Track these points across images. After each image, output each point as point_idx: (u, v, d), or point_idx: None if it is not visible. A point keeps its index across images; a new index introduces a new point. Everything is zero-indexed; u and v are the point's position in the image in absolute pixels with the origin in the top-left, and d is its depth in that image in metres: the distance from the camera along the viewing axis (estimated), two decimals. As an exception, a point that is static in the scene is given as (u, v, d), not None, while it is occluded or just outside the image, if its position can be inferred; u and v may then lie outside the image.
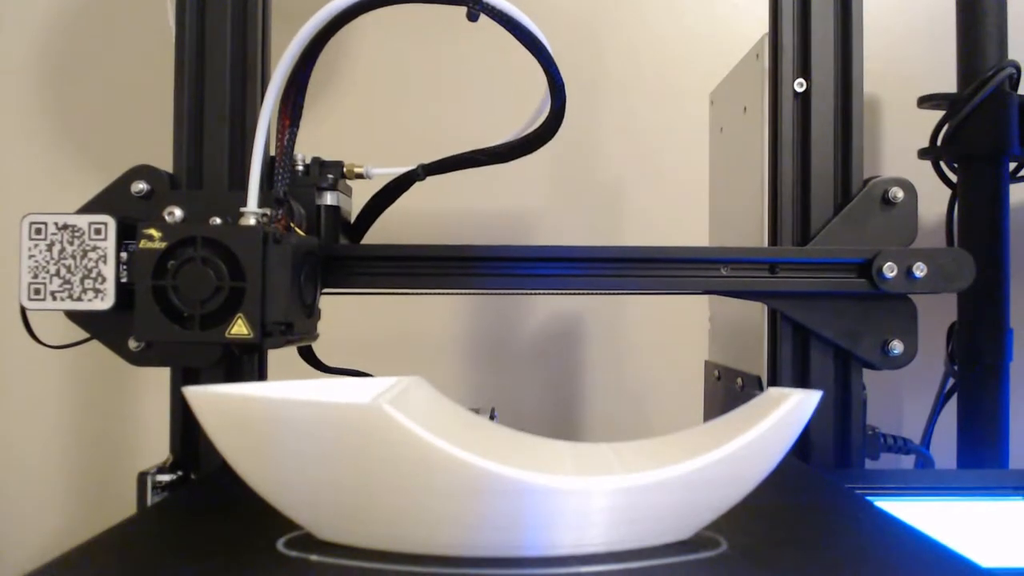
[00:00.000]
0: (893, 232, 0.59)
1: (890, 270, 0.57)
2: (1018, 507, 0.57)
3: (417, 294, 0.73)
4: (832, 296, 0.59)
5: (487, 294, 0.91)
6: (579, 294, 0.62)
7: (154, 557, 0.37)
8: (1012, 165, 0.78)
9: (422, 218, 0.92)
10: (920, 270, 0.57)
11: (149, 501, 0.55)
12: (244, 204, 0.50)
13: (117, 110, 0.90)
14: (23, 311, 0.54)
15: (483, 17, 0.53)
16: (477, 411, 0.54)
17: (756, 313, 0.63)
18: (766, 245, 0.62)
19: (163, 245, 0.49)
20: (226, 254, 0.49)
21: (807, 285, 0.58)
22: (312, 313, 0.55)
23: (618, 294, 0.61)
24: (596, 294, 0.61)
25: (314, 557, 0.34)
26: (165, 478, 0.56)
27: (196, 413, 0.35)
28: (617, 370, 0.92)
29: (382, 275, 0.59)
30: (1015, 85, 0.74)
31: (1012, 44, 0.76)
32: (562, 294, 0.66)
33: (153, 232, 0.49)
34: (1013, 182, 0.78)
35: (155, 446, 0.61)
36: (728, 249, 0.62)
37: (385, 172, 0.64)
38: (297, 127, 0.53)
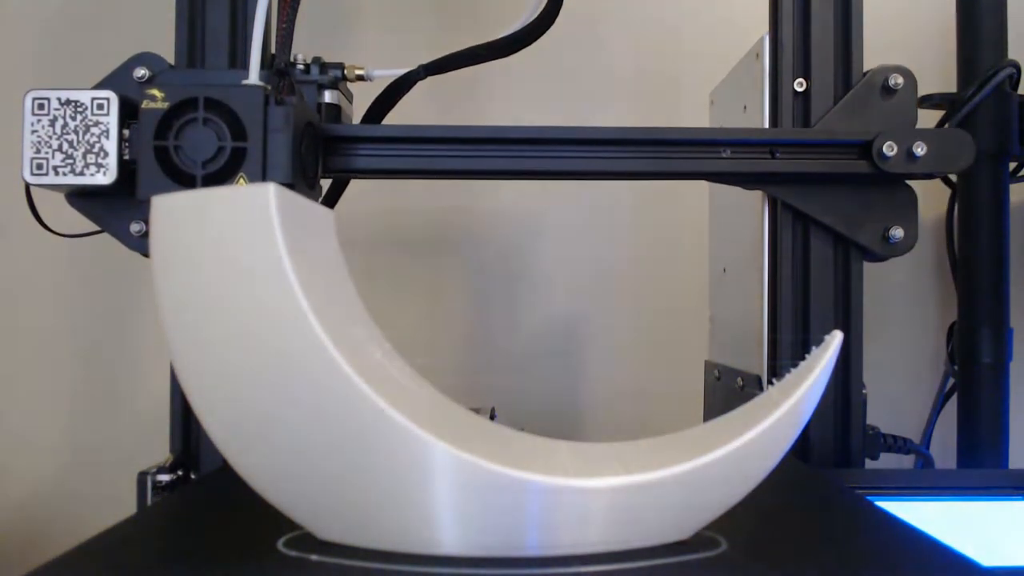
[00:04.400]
0: (894, 119, 0.59)
1: (890, 149, 0.57)
2: (1018, 507, 0.57)
3: (418, 179, 0.72)
4: (832, 182, 0.59)
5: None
6: (577, 179, 0.62)
7: (154, 557, 0.37)
8: (1012, 165, 0.78)
9: (422, 217, 0.92)
10: (920, 149, 0.57)
11: (149, 501, 0.55)
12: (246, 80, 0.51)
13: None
14: (27, 188, 0.55)
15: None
16: (477, 411, 0.54)
17: (756, 313, 0.63)
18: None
19: (165, 106, 0.50)
20: (228, 115, 0.50)
21: (807, 167, 0.58)
22: (314, 187, 0.56)
23: (618, 178, 0.61)
24: (595, 179, 0.61)
25: (314, 557, 0.34)
26: (165, 478, 0.56)
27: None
28: (617, 370, 0.91)
29: (384, 156, 0.58)
30: (1015, 85, 0.75)
31: (1012, 44, 0.76)
32: (559, 179, 0.66)
33: (156, 93, 0.50)
34: (1013, 182, 0.78)
35: (154, 445, 0.61)
36: (729, 130, 0.62)
37: (386, 74, 0.64)
38: (299, 1, 0.53)
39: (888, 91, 0.59)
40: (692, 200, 0.83)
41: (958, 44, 0.78)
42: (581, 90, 0.91)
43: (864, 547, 0.38)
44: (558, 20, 0.62)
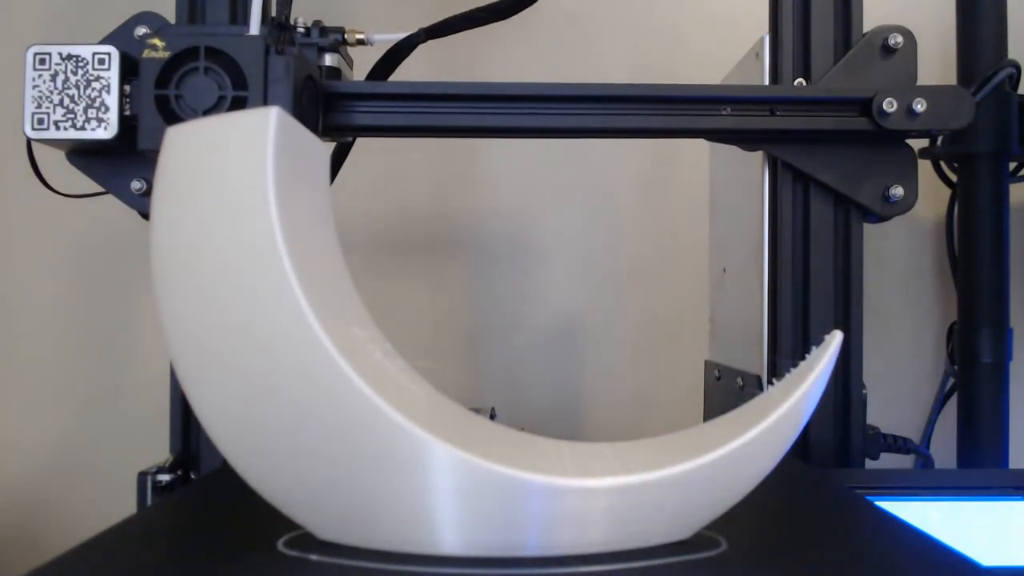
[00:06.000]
0: (894, 79, 0.59)
1: (890, 105, 0.57)
2: (1018, 507, 0.57)
3: (419, 136, 0.72)
4: (832, 140, 0.59)
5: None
6: (578, 136, 0.62)
7: (154, 557, 0.37)
8: (1012, 165, 0.78)
9: (422, 218, 0.92)
10: (920, 105, 0.57)
11: (149, 501, 0.55)
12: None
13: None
14: (28, 143, 0.55)
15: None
16: (477, 411, 0.54)
17: (756, 313, 0.63)
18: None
19: (167, 55, 0.51)
20: (229, 64, 0.51)
21: (807, 124, 0.58)
22: None
23: (619, 136, 0.61)
24: (596, 136, 0.61)
25: (314, 557, 0.34)
26: (165, 478, 0.56)
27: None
28: (617, 370, 0.91)
29: (385, 113, 0.58)
30: (1015, 85, 0.75)
31: (1012, 44, 0.76)
32: (560, 136, 0.66)
33: (157, 43, 0.51)
34: (1013, 182, 0.78)
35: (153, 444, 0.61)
36: (729, 87, 0.62)
37: (386, 38, 0.64)
38: None
39: (888, 51, 0.59)
40: (693, 200, 0.83)
41: (958, 44, 0.78)
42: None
43: (864, 547, 0.38)
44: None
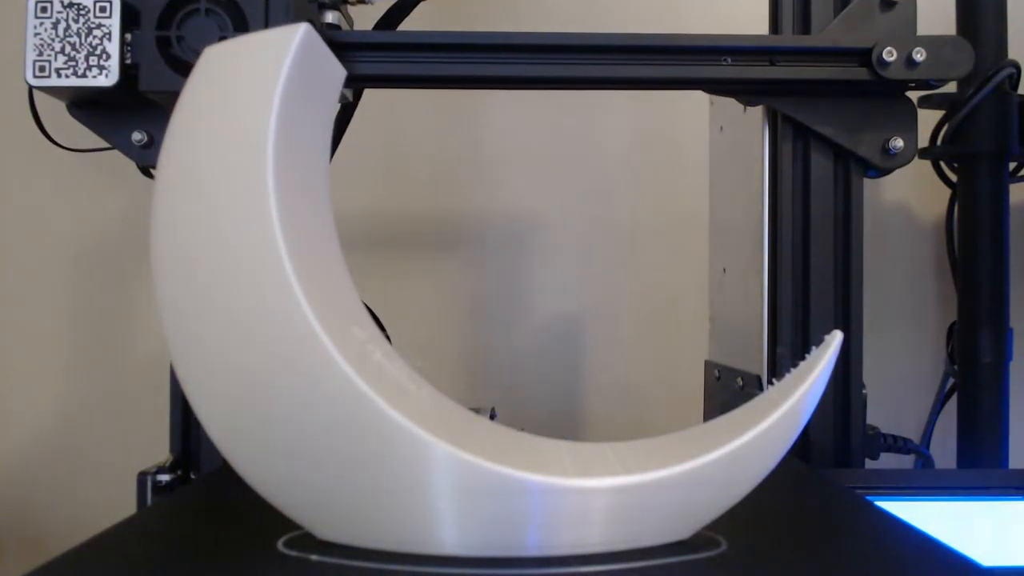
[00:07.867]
0: (894, 31, 0.59)
1: (889, 55, 0.57)
2: (1018, 507, 0.57)
3: (419, 87, 0.71)
4: (832, 93, 0.59)
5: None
6: (578, 87, 0.62)
7: (154, 557, 0.37)
8: (1012, 165, 0.78)
9: (421, 217, 0.92)
10: (920, 55, 0.57)
11: (149, 501, 0.55)
12: None
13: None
14: (30, 91, 0.55)
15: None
16: (477, 411, 0.54)
17: (756, 313, 0.63)
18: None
19: None
20: (230, 5, 0.52)
21: (807, 74, 0.58)
22: None
23: (620, 87, 0.61)
24: (596, 87, 0.61)
25: (314, 557, 0.34)
26: (165, 478, 0.56)
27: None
28: (616, 370, 0.91)
29: (387, 63, 0.58)
30: (1015, 85, 0.75)
31: (1012, 44, 0.76)
32: (559, 87, 0.65)
33: None
34: (1013, 182, 0.78)
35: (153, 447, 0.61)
36: (729, 36, 0.61)
37: None
38: None
39: (888, 3, 0.59)
40: (693, 199, 0.83)
41: (958, 44, 0.78)
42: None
43: (864, 547, 0.38)
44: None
